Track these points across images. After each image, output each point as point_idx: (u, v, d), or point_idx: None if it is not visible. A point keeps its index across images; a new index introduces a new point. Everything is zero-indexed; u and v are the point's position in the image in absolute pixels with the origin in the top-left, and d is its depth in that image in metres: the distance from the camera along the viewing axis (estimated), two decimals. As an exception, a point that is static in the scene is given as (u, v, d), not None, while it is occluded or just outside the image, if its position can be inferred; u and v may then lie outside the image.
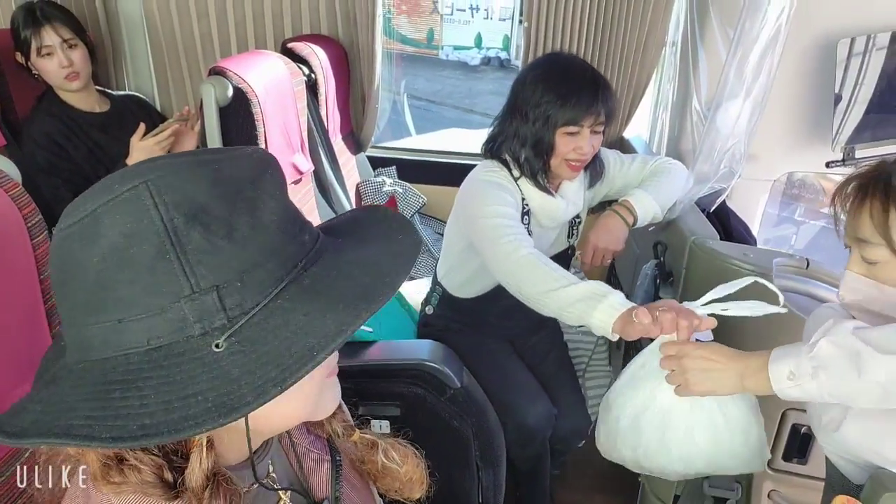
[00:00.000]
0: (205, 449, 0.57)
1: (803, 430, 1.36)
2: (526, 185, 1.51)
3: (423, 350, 1.54)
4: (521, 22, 2.13)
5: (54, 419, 0.52)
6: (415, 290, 2.06)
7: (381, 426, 1.53)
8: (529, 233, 1.52)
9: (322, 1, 2.17)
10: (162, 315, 0.52)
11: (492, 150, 1.52)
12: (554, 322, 1.90)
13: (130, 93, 2.29)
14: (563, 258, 1.69)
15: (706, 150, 1.55)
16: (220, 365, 0.52)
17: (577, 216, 1.66)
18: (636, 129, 2.30)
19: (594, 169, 1.58)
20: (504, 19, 10.78)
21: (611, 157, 1.66)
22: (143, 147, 1.74)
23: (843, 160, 1.77)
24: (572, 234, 1.68)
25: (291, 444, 0.78)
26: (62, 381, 0.56)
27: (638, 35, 2.05)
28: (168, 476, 0.57)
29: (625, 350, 1.92)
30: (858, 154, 1.79)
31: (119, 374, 0.53)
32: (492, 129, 1.53)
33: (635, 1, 2.01)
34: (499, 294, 1.65)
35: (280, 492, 0.71)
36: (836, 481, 1.01)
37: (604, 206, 1.94)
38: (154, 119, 2.11)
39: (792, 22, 1.37)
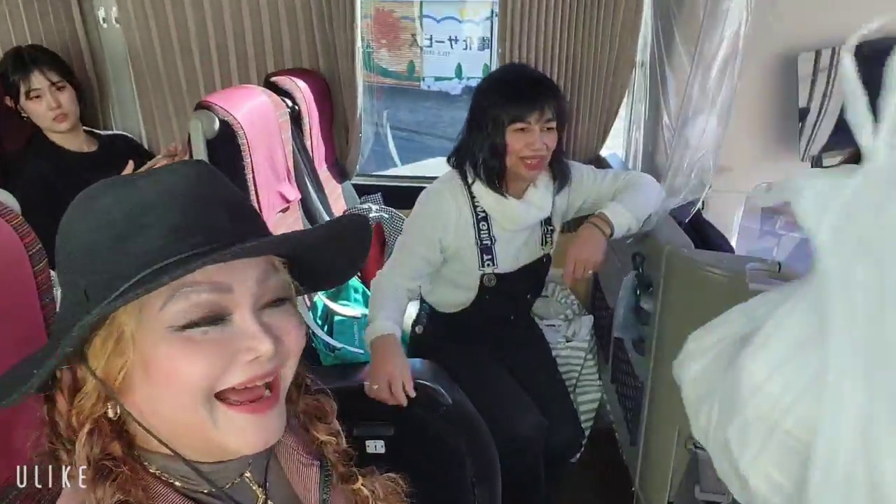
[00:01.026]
0: (84, 436, 0.59)
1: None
2: (481, 191, 1.59)
3: (414, 368, 1.57)
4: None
5: None
6: (406, 314, 2.09)
7: (377, 446, 1.54)
8: (492, 239, 1.62)
9: (303, 35, 2.23)
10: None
11: (454, 161, 1.63)
12: (542, 339, 1.94)
13: (118, 132, 2.34)
14: (539, 266, 1.73)
15: (676, 163, 1.61)
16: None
17: (551, 225, 1.71)
18: (612, 148, 2.37)
19: (559, 171, 1.64)
20: (483, 49, 10.99)
21: (585, 171, 1.73)
22: None
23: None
24: (546, 243, 1.72)
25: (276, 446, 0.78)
26: None
27: (608, 57, 2.13)
28: (63, 457, 0.61)
29: (612, 363, 1.95)
30: (826, 163, 1.86)
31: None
32: (455, 141, 1.64)
33: (604, 24, 2.09)
34: (480, 306, 1.70)
35: (257, 490, 0.71)
36: None
37: (580, 221, 2.00)
38: (142, 156, 2.16)
39: (752, 37, 1.45)
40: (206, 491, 0.67)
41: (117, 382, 0.60)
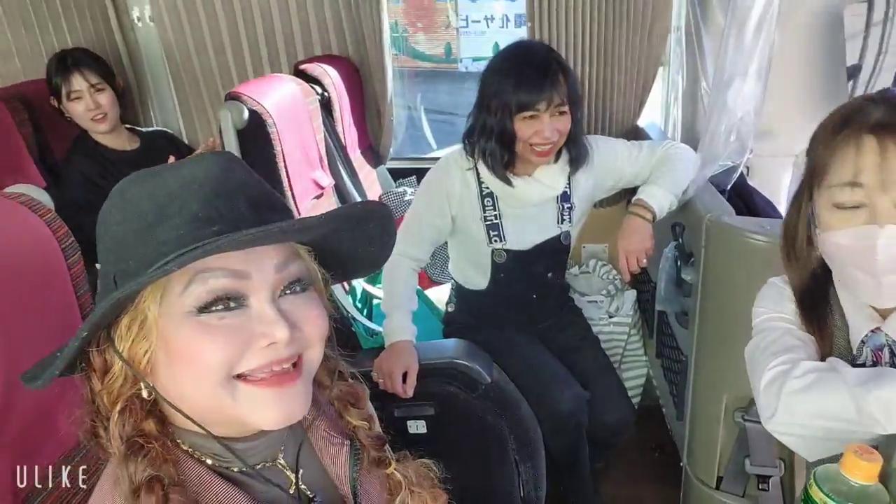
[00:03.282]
0: (116, 414, 0.62)
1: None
2: (485, 171, 1.57)
3: (450, 348, 1.57)
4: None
5: None
6: (444, 296, 2.09)
7: (418, 426, 1.56)
8: (499, 216, 1.60)
9: (331, 21, 2.23)
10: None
11: (466, 142, 1.60)
12: (580, 317, 1.91)
13: (158, 128, 2.40)
14: (555, 245, 1.68)
15: (713, 128, 1.55)
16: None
17: (569, 202, 1.66)
18: (650, 117, 2.30)
19: (574, 152, 1.59)
20: (520, 25, 10.82)
21: (619, 147, 1.68)
22: None
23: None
24: (563, 220, 1.66)
25: (308, 428, 0.78)
26: None
27: (642, 25, 2.06)
28: (101, 433, 0.64)
29: (657, 338, 1.91)
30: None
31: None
32: (467, 121, 1.61)
33: (636, -9, 2.02)
34: (498, 285, 1.69)
35: (290, 474, 0.73)
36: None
37: (623, 196, 1.96)
38: (182, 151, 2.21)
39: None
40: (237, 469, 0.68)
41: (142, 365, 0.62)
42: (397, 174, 2.51)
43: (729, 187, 1.62)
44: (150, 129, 2.36)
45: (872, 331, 0.91)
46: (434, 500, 0.81)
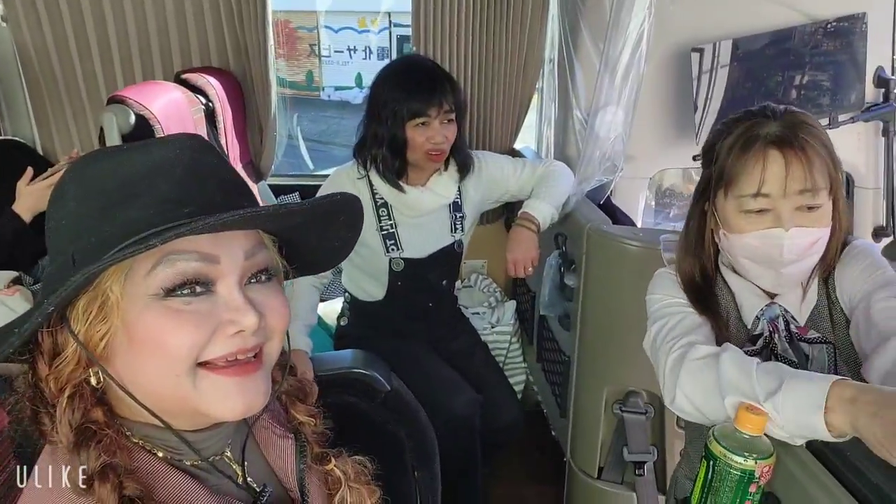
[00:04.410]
0: (65, 400, 0.59)
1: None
2: (377, 180, 1.64)
3: (348, 358, 1.57)
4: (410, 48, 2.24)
5: None
6: (331, 310, 2.09)
7: (315, 438, 1.53)
8: (394, 225, 1.67)
9: (212, 35, 2.18)
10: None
11: (357, 154, 1.66)
12: (470, 327, 1.99)
13: (8, 138, 2.18)
14: (450, 252, 1.76)
15: (589, 151, 1.72)
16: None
17: (460, 212, 1.75)
18: (525, 140, 2.48)
19: (460, 161, 1.70)
20: (382, 58, 11.04)
21: (504, 162, 1.81)
22: (31, 191, 1.67)
23: (706, 153, 2.02)
24: (456, 229, 1.76)
25: (252, 422, 0.78)
26: None
27: (518, 56, 2.22)
28: (45, 421, 0.60)
29: (537, 343, 2.03)
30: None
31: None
32: (357, 133, 1.67)
33: (513, 25, 2.18)
34: (395, 294, 1.74)
35: (237, 468, 0.72)
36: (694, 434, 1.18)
37: (506, 211, 2.08)
38: (38, 163, 2.02)
39: (653, 33, 1.57)
40: (189, 462, 0.66)
41: (98, 349, 0.59)
42: (278, 191, 2.47)
43: (602, 202, 1.79)
44: (1, 138, 2.14)
45: (767, 305, 1.06)
46: (370, 495, 0.83)
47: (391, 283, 1.71)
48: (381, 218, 1.67)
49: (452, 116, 1.59)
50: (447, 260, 1.76)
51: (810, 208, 0.97)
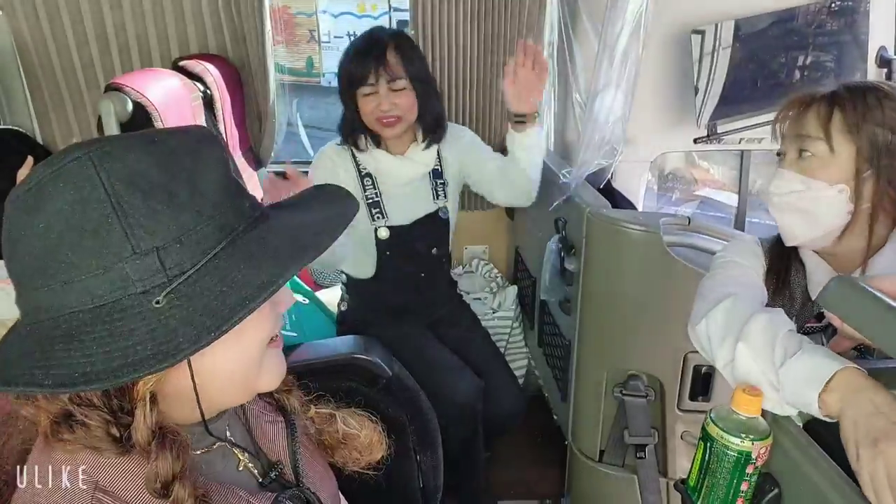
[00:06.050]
0: (148, 404, 0.59)
1: (704, 369, 1.52)
2: (358, 151, 1.72)
3: (349, 344, 1.58)
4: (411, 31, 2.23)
5: None
6: (333, 296, 2.09)
7: (317, 424, 1.54)
8: (379, 194, 1.73)
9: (209, 21, 2.17)
10: (105, 275, 0.55)
11: (340, 128, 1.75)
12: (471, 313, 2.00)
13: (7, 127, 2.18)
14: (435, 220, 1.80)
15: (588, 135, 1.71)
16: (160, 318, 0.55)
17: (441, 178, 1.80)
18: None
19: (425, 125, 1.73)
20: (382, 44, 10.95)
21: (484, 145, 1.90)
22: None
23: (708, 136, 2.01)
24: (438, 196, 1.80)
25: (244, 411, 0.81)
26: (9, 343, 0.58)
27: (517, 39, 2.21)
28: (115, 431, 0.59)
29: (538, 327, 2.04)
30: (720, 129, 2.03)
31: (62, 330, 0.55)
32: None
33: (511, 10, 2.17)
34: (385, 265, 1.77)
35: (237, 453, 0.74)
36: None
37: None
38: (38, 152, 2.03)
39: (652, 14, 1.55)
40: (199, 451, 0.70)
41: None
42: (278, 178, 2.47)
43: (602, 186, 1.79)
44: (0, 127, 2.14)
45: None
46: (373, 420, 0.90)
47: (380, 254, 1.75)
48: (367, 188, 1.72)
49: (403, 85, 1.62)
50: (433, 227, 1.80)
51: (802, 151, 1.01)
